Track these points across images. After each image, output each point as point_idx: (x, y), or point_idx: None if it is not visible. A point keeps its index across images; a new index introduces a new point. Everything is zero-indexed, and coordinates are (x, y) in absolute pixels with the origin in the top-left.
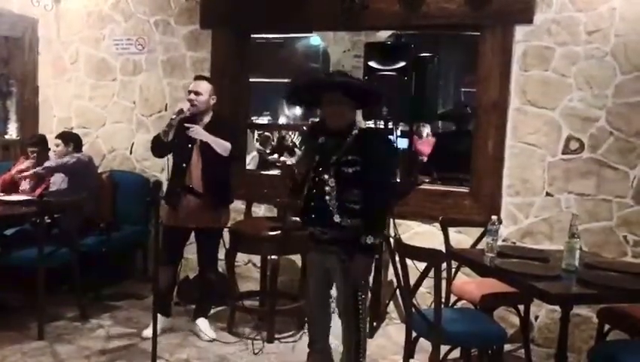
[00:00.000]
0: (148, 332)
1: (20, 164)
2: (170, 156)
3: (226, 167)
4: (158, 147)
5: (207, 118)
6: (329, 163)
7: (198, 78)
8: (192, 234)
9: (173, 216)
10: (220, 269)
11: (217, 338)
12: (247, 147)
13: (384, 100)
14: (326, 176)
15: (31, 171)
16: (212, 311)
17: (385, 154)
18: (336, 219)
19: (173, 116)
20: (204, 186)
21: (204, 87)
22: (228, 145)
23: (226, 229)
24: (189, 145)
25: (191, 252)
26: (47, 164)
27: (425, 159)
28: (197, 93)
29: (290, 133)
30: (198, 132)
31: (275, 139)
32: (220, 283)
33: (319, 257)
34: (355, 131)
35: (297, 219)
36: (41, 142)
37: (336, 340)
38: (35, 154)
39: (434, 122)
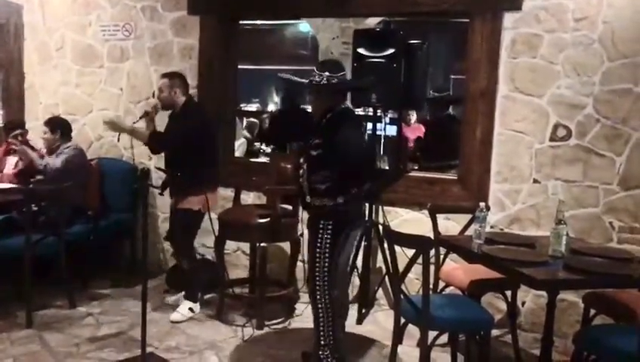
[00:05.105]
0: (175, 316)
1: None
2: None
3: (189, 155)
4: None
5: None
6: (305, 148)
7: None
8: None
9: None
10: (210, 257)
11: (178, 322)
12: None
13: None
14: (302, 160)
15: (40, 160)
16: (203, 298)
17: (341, 137)
18: (308, 199)
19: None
20: (168, 170)
21: (162, 83)
22: None
23: (214, 217)
24: None
25: None
26: (51, 165)
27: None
28: (160, 91)
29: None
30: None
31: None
32: (206, 270)
33: None
34: (329, 115)
35: (286, 206)
36: (19, 125)
37: None
38: (19, 137)
39: (423, 109)
